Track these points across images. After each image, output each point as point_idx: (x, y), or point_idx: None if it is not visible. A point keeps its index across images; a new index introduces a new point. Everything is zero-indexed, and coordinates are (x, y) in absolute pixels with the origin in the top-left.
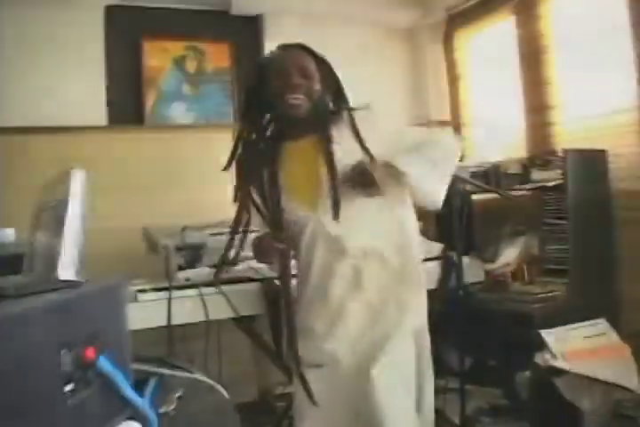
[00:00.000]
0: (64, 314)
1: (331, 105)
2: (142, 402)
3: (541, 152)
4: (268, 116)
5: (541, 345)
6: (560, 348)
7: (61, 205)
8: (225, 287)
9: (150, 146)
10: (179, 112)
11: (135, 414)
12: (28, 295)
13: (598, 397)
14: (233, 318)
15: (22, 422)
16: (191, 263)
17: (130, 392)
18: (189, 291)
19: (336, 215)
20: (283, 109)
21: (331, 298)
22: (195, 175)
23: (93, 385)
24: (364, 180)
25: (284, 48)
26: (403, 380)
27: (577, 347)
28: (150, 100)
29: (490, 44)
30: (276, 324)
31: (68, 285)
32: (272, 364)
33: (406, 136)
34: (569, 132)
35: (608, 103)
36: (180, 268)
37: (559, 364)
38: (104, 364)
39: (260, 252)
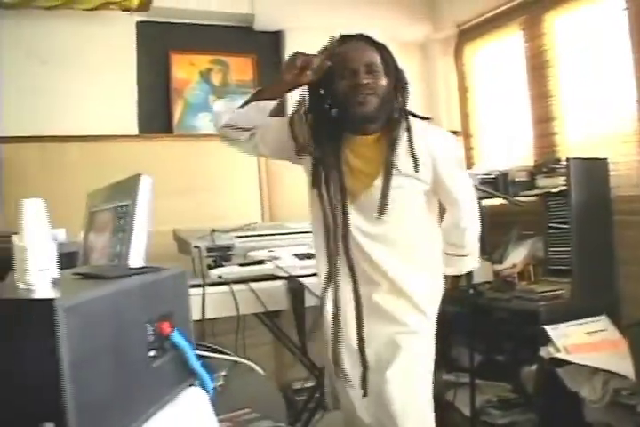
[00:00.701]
0: (149, 292)
1: (398, 100)
2: (205, 372)
3: (546, 160)
4: (334, 111)
5: (546, 340)
6: (563, 342)
7: (131, 207)
8: (252, 284)
9: (178, 154)
10: (205, 122)
11: (198, 383)
12: (120, 278)
13: (598, 386)
14: (256, 315)
15: (124, 375)
16: (220, 263)
17: (195, 363)
18: (221, 288)
19: (383, 211)
20: (351, 107)
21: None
22: (219, 182)
23: (168, 354)
24: None
25: (348, 39)
26: (417, 376)
27: (579, 341)
28: (178, 111)
29: (498, 58)
30: (300, 319)
31: (151, 270)
32: (292, 359)
33: (454, 185)
34: (572, 142)
35: (609, 114)
36: (209, 267)
37: (562, 356)
38: (177, 337)
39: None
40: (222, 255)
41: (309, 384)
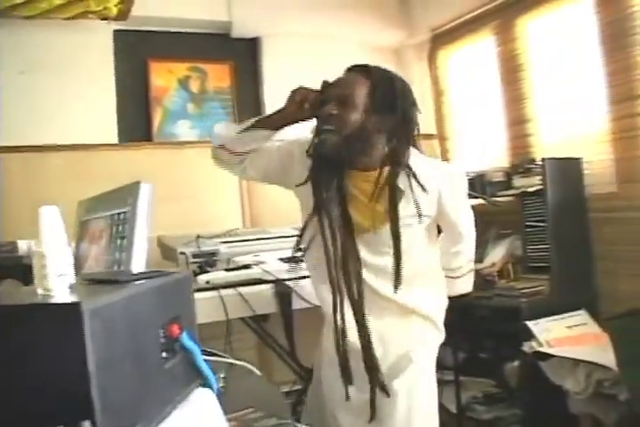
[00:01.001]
0: (160, 296)
1: (384, 137)
2: (211, 373)
3: (522, 161)
4: None
5: (528, 336)
6: (545, 337)
7: (131, 213)
8: (240, 289)
9: (158, 161)
10: (184, 129)
11: (205, 383)
12: (133, 282)
13: (581, 378)
14: (242, 320)
15: (141, 376)
16: (205, 269)
17: (203, 364)
18: (209, 293)
19: (398, 256)
20: (315, 141)
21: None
22: (200, 188)
23: (178, 356)
24: None
25: (348, 70)
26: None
27: (561, 335)
28: (157, 119)
29: (472, 62)
30: (288, 322)
31: (159, 274)
32: (278, 363)
33: (458, 218)
34: (546, 143)
35: (582, 115)
36: (195, 273)
37: (545, 350)
38: (186, 339)
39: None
40: (208, 261)
41: (296, 387)
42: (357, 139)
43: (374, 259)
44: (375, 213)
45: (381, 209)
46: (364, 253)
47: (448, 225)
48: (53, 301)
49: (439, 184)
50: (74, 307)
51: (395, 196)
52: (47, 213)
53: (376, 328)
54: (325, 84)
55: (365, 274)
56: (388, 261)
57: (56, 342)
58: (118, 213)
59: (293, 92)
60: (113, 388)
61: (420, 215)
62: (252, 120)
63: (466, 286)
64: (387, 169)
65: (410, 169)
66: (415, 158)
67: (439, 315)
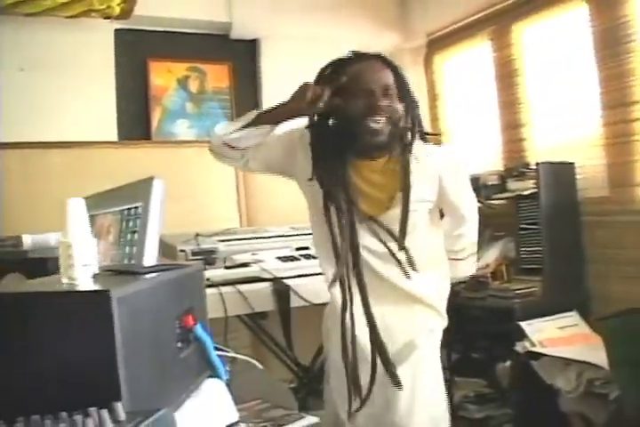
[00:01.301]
0: (177, 287)
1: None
2: (221, 364)
3: (516, 165)
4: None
5: (521, 336)
6: (538, 337)
7: (144, 208)
8: (239, 286)
9: (157, 160)
10: (182, 129)
11: (214, 374)
12: (151, 273)
13: (573, 377)
14: (239, 318)
15: (160, 364)
16: (203, 266)
17: (214, 355)
18: (209, 290)
19: (402, 240)
20: (364, 134)
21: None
22: (197, 187)
23: (191, 346)
24: None
25: (364, 58)
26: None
27: (553, 336)
28: (156, 118)
29: (468, 67)
30: (286, 320)
31: (175, 266)
32: (273, 361)
33: (460, 200)
34: (540, 147)
35: (575, 121)
36: None
37: (538, 349)
38: (200, 330)
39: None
40: (207, 259)
41: (292, 385)
42: (401, 127)
43: (379, 246)
44: (380, 200)
45: (386, 196)
46: (369, 241)
47: (450, 208)
48: (82, 288)
49: (440, 168)
50: (104, 294)
51: (408, 181)
52: (74, 205)
53: (380, 316)
54: (332, 77)
55: (372, 260)
56: (393, 247)
57: (86, 328)
58: (129, 209)
59: (302, 87)
60: (137, 373)
61: (423, 200)
62: (253, 115)
63: (468, 268)
64: (394, 155)
65: (415, 155)
66: (416, 143)
67: (442, 302)
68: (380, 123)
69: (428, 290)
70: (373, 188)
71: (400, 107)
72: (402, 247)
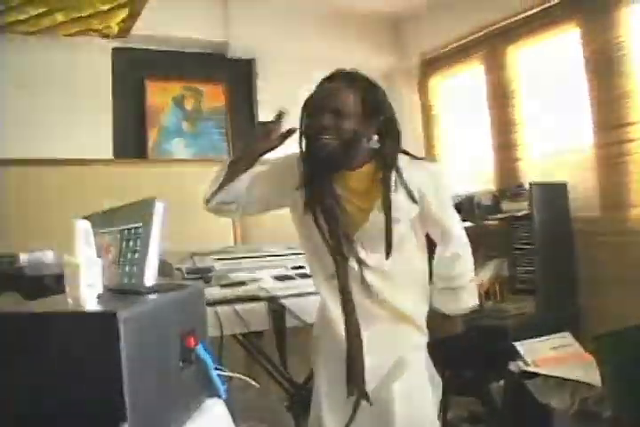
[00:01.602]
0: (179, 307)
1: (375, 140)
2: (222, 384)
3: (510, 185)
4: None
5: (514, 356)
6: (531, 356)
7: (145, 229)
8: (235, 305)
9: (152, 178)
10: (178, 147)
11: (215, 393)
12: (153, 293)
13: (566, 396)
14: (234, 336)
15: (163, 384)
16: None
17: (215, 375)
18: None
19: (388, 256)
20: (313, 148)
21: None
22: (192, 206)
23: (193, 366)
24: None
25: (330, 79)
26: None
27: (546, 356)
28: (153, 136)
29: (462, 88)
30: (282, 339)
31: (176, 287)
32: (266, 380)
33: (443, 217)
34: (533, 167)
35: (567, 142)
36: None
37: (532, 369)
38: (201, 350)
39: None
40: (203, 277)
41: (285, 404)
42: (353, 143)
43: (368, 257)
44: (364, 211)
45: (369, 206)
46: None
47: (435, 225)
48: (89, 309)
49: (422, 183)
50: (111, 315)
51: (388, 187)
52: (81, 226)
53: (369, 335)
54: (282, 114)
55: (364, 273)
56: (379, 258)
57: (92, 348)
58: (129, 229)
59: (257, 127)
60: (142, 393)
61: (403, 209)
62: (224, 170)
63: (470, 298)
64: (373, 165)
65: (397, 168)
66: (400, 157)
67: (423, 319)
68: (322, 140)
69: (413, 307)
70: (353, 195)
71: (350, 126)
72: (388, 254)
